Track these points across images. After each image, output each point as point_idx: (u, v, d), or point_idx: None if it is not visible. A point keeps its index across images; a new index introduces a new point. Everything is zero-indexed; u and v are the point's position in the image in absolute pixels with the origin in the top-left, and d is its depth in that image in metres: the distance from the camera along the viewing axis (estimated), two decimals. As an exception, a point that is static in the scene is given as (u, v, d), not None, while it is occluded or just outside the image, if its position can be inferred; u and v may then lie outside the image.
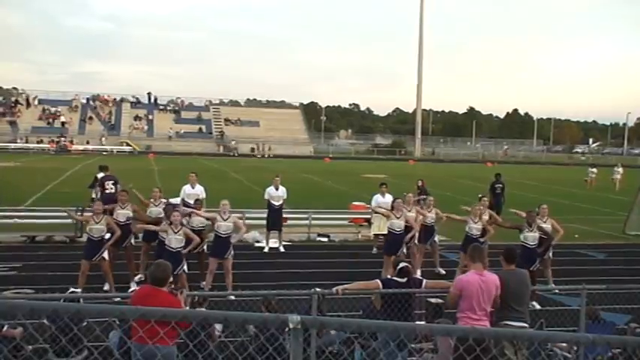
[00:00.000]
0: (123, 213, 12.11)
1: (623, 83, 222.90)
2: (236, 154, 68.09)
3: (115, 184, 15.64)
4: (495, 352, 5.76)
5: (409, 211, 13.04)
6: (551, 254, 12.29)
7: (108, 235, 11.50)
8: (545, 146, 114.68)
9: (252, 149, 73.33)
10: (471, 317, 6.67)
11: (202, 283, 11.85)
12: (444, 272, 13.38)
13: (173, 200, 13.78)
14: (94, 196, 16.96)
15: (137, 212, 12.37)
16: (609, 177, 39.10)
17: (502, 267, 7.36)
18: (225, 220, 11.60)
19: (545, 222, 12.07)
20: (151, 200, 12.80)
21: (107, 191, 15.36)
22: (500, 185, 21.04)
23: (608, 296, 9.71)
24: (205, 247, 12.26)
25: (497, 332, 3.27)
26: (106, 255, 11.13)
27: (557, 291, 11.18)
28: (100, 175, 16.93)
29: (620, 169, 39.26)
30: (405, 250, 12.47)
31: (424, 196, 15.65)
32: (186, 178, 14.92)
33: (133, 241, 12.21)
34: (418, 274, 13.16)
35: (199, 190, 14.50)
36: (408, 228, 12.71)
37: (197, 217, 12.01)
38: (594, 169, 39.31)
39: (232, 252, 11.56)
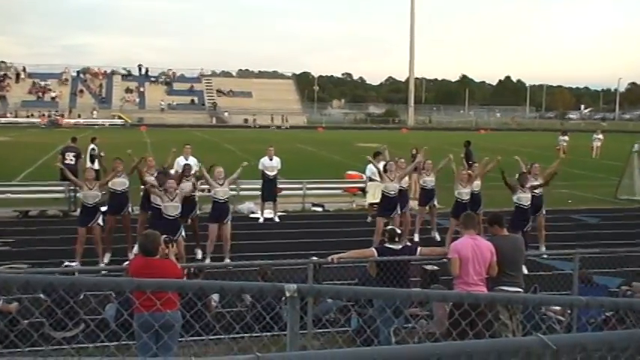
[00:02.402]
0: (119, 182, 12.03)
1: (615, 49, 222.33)
2: (257, 126, 67.43)
3: (76, 156, 16.33)
4: (490, 316, 5.82)
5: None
6: (544, 211, 12.33)
7: (104, 209, 11.52)
8: (538, 113, 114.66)
9: (246, 120, 73.00)
10: (467, 282, 6.72)
11: (198, 251, 11.87)
12: (439, 238, 13.45)
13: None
14: (88, 165, 17.16)
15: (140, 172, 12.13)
16: (588, 144, 37.31)
17: (492, 233, 7.40)
18: (221, 186, 11.64)
19: (536, 180, 12.22)
20: (145, 170, 12.70)
21: (67, 162, 16.23)
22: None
23: (601, 260, 9.82)
24: (198, 212, 12.34)
25: (492, 297, 3.29)
26: (100, 221, 11.10)
27: (545, 256, 11.27)
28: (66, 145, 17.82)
29: (600, 136, 37.19)
30: (399, 211, 12.53)
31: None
32: (182, 150, 14.94)
33: (130, 209, 12.14)
34: (416, 238, 13.28)
35: (193, 162, 14.47)
36: (402, 192, 12.78)
37: (186, 183, 11.90)
38: (565, 137, 36.35)
39: (230, 217, 11.66)
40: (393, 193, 12.48)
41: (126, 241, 11.88)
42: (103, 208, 11.61)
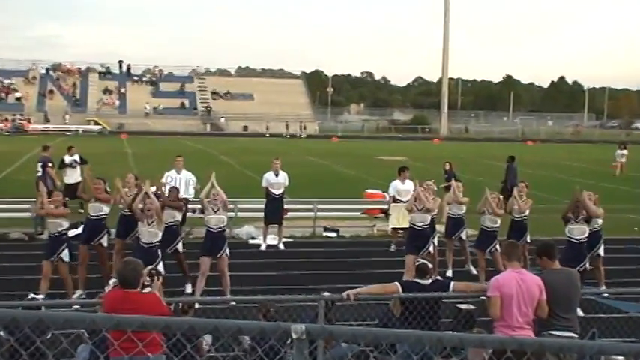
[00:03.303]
0: (95, 206, 12.18)
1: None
2: (268, 135, 67.95)
3: (43, 167, 17.17)
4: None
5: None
6: (601, 251, 12.27)
7: (73, 233, 11.64)
8: (599, 121, 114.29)
9: (245, 127, 73.45)
10: (510, 325, 6.69)
11: (187, 285, 11.91)
12: (475, 272, 13.42)
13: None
14: (65, 180, 17.94)
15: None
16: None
17: (542, 266, 7.38)
18: (215, 213, 11.66)
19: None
20: (125, 190, 12.82)
21: (37, 174, 17.16)
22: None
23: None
24: (180, 245, 12.33)
25: (540, 342, 3.29)
26: (65, 256, 11.08)
27: (606, 295, 11.18)
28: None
29: None
30: (431, 249, 12.49)
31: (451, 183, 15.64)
32: (173, 163, 15.16)
33: (105, 239, 12.16)
34: (449, 273, 13.25)
35: (186, 177, 14.71)
36: (434, 222, 12.84)
37: (167, 210, 12.05)
38: (624, 151, 34.59)
39: (227, 250, 11.65)
40: (421, 225, 12.49)
41: (102, 273, 11.94)
42: (73, 232, 11.72)
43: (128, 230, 12.15)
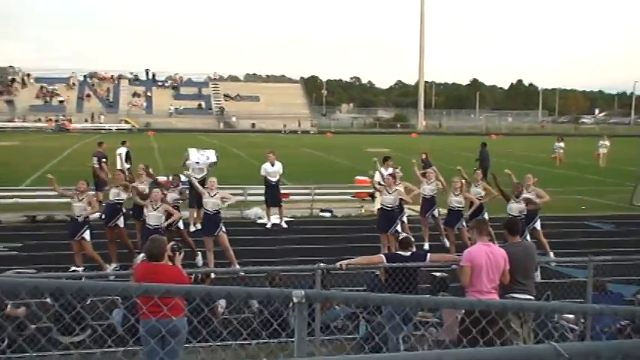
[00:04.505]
0: (113, 192, 12.13)
1: (630, 51, 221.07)
2: (285, 132, 67.40)
3: (99, 161, 16.90)
4: (501, 324, 5.79)
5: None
6: (537, 225, 12.09)
7: (96, 215, 11.64)
8: (551, 117, 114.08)
9: (253, 125, 73.18)
10: (481, 291, 6.66)
11: (198, 258, 11.82)
12: (448, 244, 13.40)
13: (161, 179, 13.81)
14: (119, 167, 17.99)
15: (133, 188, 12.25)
16: (594, 151, 34.52)
17: (505, 239, 7.36)
18: (212, 197, 11.54)
19: (529, 192, 12.03)
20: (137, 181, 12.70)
21: (94, 166, 16.91)
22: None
23: (616, 268, 9.75)
24: (181, 224, 12.07)
25: (504, 304, 3.28)
26: (87, 236, 10.93)
27: (554, 264, 11.17)
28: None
29: (607, 142, 33.74)
30: (398, 228, 12.33)
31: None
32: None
33: (121, 221, 11.93)
34: (425, 246, 13.23)
35: (204, 165, 14.80)
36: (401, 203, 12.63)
37: (172, 193, 11.96)
38: (561, 144, 33.70)
39: (223, 228, 11.42)
40: (389, 207, 12.34)
41: (126, 249, 11.85)
42: (95, 215, 11.70)
43: (142, 213, 12.07)
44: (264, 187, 15.82)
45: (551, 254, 11.97)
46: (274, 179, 15.65)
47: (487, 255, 6.76)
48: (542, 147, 46.49)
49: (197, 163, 15.04)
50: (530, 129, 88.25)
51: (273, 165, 15.73)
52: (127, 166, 18.62)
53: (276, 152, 16.33)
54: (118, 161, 19.07)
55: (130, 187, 12.05)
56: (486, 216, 12.90)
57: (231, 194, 12.63)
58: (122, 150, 19.74)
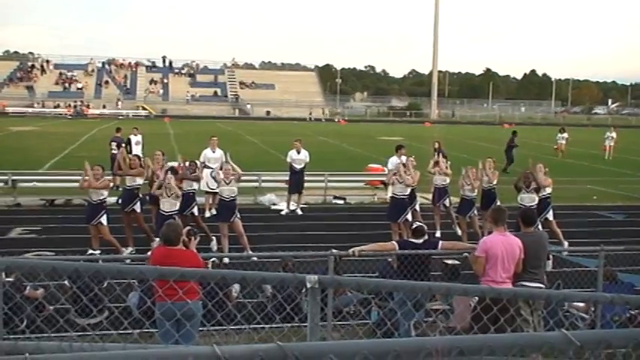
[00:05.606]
0: (129, 178, 12.18)
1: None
2: (312, 119, 67.57)
3: (118, 146, 16.92)
4: (512, 312, 5.77)
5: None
6: (550, 216, 12.00)
7: (113, 200, 11.73)
8: (564, 107, 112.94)
9: (268, 112, 73.16)
10: (495, 280, 6.60)
11: (212, 244, 11.82)
12: (460, 232, 13.35)
13: (172, 164, 13.78)
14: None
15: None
16: (601, 143, 32.84)
17: (520, 229, 7.31)
18: (228, 185, 11.55)
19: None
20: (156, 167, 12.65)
21: (112, 151, 17.44)
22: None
23: (627, 257, 9.66)
24: (195, 209, 12.07)
25: (514, 292, 3.26)
26: (103, 220, 10.96)
27: (565, 253, 11.08)
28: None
29: (614, 134, 32.09)
30: (409, 217, 12.26)
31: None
32: (207, 142, 15.09)
33: (137, 206, 11.92)
34: (437, 234, 13.19)
35: (220, 154, 14.61)
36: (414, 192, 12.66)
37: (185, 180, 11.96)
38: (565, 134, 31.90)
39: (238, 215, 11.44)
40: (400, 195, 12.30)
41: (143, 233, 11.90)
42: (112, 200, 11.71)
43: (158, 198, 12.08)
44: (282, 173, 15.89)
45: (566, 244, 11.87)
46: (299, 166, 15.73)
47: (503, 245, 6.70)
48: (554, 137, 46.12)
49: (213, 152, 15.04)
50: (544, 119, 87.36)
51: (299, 152, 15.84)
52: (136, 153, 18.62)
53: (302, 141, 16.37)
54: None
55: (148, 173, 12.06)
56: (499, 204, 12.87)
57: (246, 180, 12.62)
58: (136, 138, 19.85)
